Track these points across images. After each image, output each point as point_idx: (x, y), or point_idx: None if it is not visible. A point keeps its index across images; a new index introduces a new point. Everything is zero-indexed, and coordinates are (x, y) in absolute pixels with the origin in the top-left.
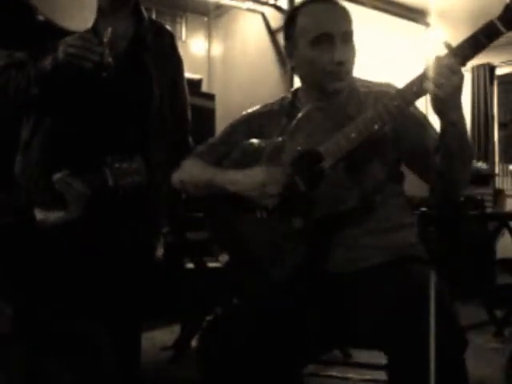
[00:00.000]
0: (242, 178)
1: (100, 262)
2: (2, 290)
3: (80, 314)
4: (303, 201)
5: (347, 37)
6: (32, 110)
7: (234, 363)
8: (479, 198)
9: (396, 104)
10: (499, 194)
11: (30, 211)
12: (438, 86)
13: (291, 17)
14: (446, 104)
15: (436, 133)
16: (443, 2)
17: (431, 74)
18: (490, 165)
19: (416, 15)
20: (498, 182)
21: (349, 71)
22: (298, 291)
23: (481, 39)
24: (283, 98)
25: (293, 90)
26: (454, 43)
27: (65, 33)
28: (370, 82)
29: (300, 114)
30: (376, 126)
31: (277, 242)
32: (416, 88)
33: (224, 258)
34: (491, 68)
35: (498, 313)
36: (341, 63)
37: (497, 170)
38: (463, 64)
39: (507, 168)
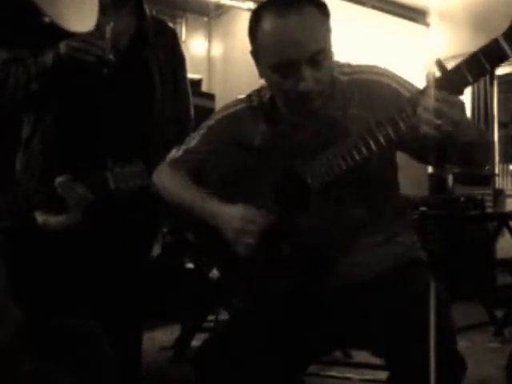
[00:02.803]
0: (220, 216)
1: (100, 262)
2: (11, 293)
3: (80, 314)
4: (289, 228)
5: (317, 57)
6: (32, 107)
7: (232, 372)
8: (479, 198)
9: (384, 133)
10: (499, 194)
11: (30, 214)
12: (434, 127)
13: (253, 24)
14: (453, 133)
15: None
16: (443, 2)
17: (423, 109)
18: (490, 165)
19: (416, 15)
20: (498, 182)
21: (320, 91)
22: (296, 302)
23: (482, 62)
24: (261, 93)
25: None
26: (454, 43)
27: (69, 35)
28: (349, 66)
29: (280, 120)
30: (362, 155)
31: (269, 263)
32: (406, 116)
33: (214, 273)
34: None
35: (498, 313)
36: (305, 94)
37: (497, 170)
38: (459, 93)
39: (507, 168)
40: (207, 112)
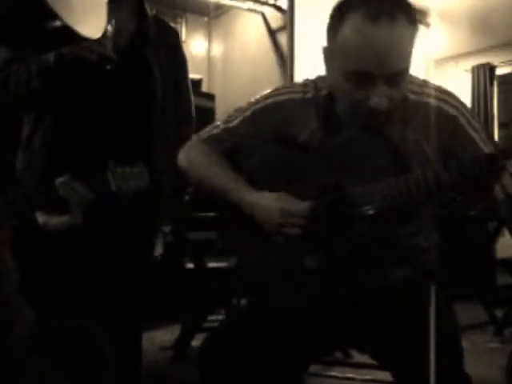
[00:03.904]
0: (258, 207)
1: (100, 262)
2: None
3: (80, 314)
4: (323, 240)
5: (396, 78)
6: (33, 106)
7: (235, 370)
8: None
9: (449, 177)
10: None
11: (31, 214)
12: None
13: (335, 19)
14: None
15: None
16: (443, 2)
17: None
18: None
19: (416, 15)
20: None
21: (388, 110)
22: (306, 313)
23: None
24: (318, 86)
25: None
26: (454, 43)
27: (81, 39)
28: (420, 82)
29: (332, 131)
30: (419, 194)
31: (290, 271)
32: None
33: (233, 260)
34: (491, 68)
35: (498, 313)
36: (376, 110)
37: None
38: None
39: None
40: (207, 112)
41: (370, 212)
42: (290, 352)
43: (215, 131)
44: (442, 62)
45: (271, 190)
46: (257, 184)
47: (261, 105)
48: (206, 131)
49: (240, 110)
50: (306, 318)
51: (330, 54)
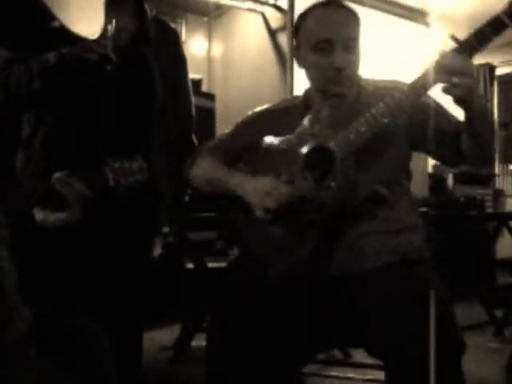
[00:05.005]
0: (248, 184)
1: (100, 261)
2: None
3: (80, 314)
4: (312, 200)
5: (349, 43)
6: (34, 106)
7: (235, 362)
8: (479, 198)
9: (405, 96)
10: (499, 194)
11: (29, 211)
12: (453, 85)
13: (299, 20)
14: (469, 97)
15: (452, 116)
16: (443, 2)
17: (443, 71)
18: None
19: (416, 15)
20: (498, 182)
21: (350, 76)
22: (296, 292)
23: (487, 32)
24: (295, 98)
25: (305, 89)
26: (454, 43)
27: (79, 39)
28: (375, 80)
29: (311, 113)
30: (385, 120)
31: (280, 240)
32: (425, 81)
33: (234, 252)
34: (491, 68)
35: (498, 313)
36: (339, 69)
37: (497, 170)
38: (470, 57)
39: (507, 168)
40: (207, 112)
41: (351, 161)
42: (286, 347)
43: (211, 144)
44: None
45: (265, 170)
46: (254, 169)
47: (248, 117)
48: (205, 146)
49: (232, 127)
50: (296, 299)
51: (297, 48)
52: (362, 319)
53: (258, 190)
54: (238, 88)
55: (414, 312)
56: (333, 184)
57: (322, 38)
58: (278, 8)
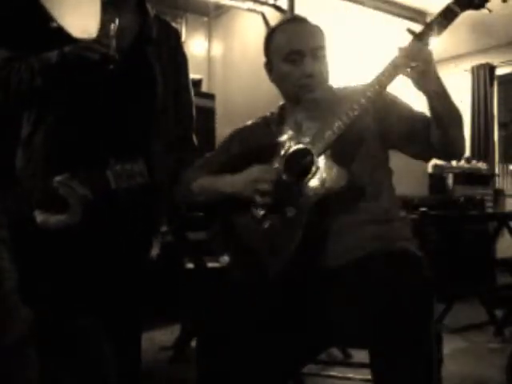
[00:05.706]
0: (237, 178)
1: (100, 261)
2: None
3: (79, 314)
4: (295, 192)
5: (317, 52)
6: (34, 104)
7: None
8: (479, 198)
9: (372, 89)
10: (499, 194)
11: (30, 213)
12: (410, 68)
13: (268, 36)
14: (425, 79)
15: (420, 112)
16: (443, 2)
17: (402, 55)
18: (490, 165)
19: (416, 15)
20: (498, 182)
21: (321, 82)
22: (292, 291)
23: (440, 21)
24: (272, 112)
25: (280, 104)
26: (454, 43)
27: (75, 41)
28: (346, 86)
29: (288, 120)
30: (356, 112)
31: (273, 237)
32: (388, 73)
33: (224, 259)
34: (491, 68)
35: (498, 313)
36: (311, 75)
37: (497, 170)
38: (426, 44)
39: (507, 168)
40: (207, 112)
41: (326, 146)
42: (283, 347)
43: (199, 162)
44: (441, 62)
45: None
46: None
47: (233, 131)
48: (193, 164)
49: (219, 144)
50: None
51: (268, 63)
52: (357, 307)
53: (246, 181)
54: (238, 88)
55: (400, 300)
56: (312, 179)
57: (294, 49)
58: (278, 8)
